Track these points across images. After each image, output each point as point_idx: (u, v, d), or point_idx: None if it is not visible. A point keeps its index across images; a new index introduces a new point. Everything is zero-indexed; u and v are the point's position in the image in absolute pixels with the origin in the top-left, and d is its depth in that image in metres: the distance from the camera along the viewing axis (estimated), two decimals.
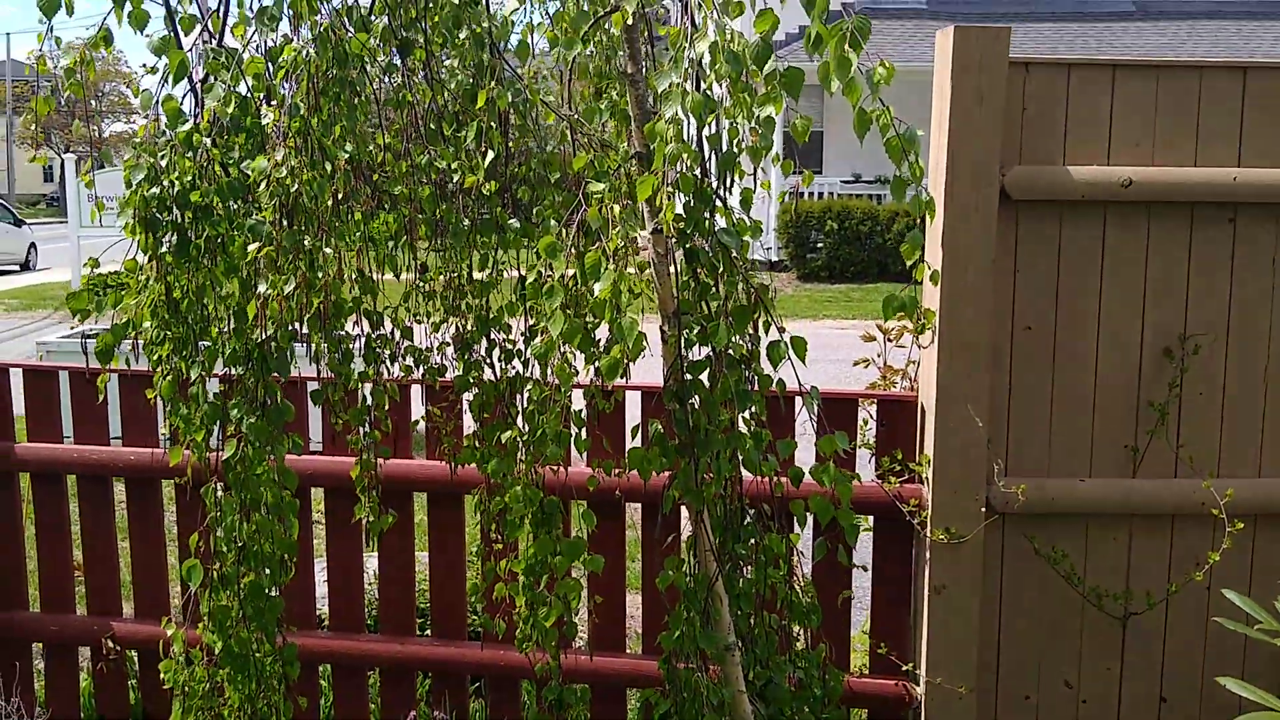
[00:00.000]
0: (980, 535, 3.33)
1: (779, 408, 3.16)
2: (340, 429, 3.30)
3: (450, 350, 3.15)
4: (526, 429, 2.82)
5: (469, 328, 3.10)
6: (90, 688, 4.21)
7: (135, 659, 4.09)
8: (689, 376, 2.63)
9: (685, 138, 2.36)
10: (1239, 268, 3.37)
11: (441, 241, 3.02)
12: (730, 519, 2.79)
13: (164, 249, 2.56)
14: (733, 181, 2.54)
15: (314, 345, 2.86)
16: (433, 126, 2.89)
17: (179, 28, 2.58)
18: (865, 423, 3.59)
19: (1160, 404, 3.37)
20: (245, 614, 2.78)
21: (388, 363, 3.15)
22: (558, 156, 2.99)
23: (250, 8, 2.60)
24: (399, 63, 2.84)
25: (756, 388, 2.65)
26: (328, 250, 2.60)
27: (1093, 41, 22.46)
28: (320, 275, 2.53)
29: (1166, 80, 3.30)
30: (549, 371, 2.65)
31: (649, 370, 2.85)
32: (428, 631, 3.98)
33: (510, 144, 2.92)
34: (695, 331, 2.59)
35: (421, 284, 3.10)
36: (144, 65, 2.64)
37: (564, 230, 2.65)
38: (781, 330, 2.58)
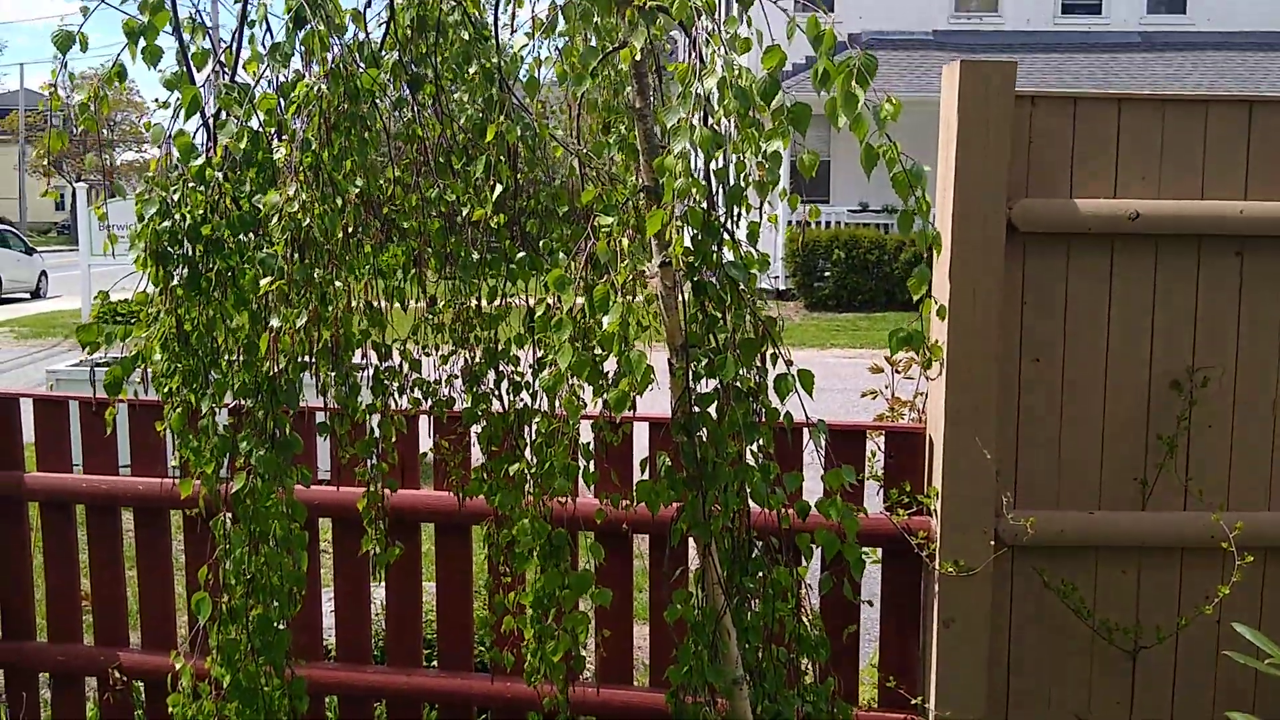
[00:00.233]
0: (989, 568, 3.32)
1: (786, 439, 3.16)
2: (347, 462, 3.31)
3: (459, 383, 3.16)
4: (534, 461, 2.82)
5: (477, 359, 3.11)
6: (97, 718, 4.20)
7: (142, 690, 4.08)
8: (697, 409, 2.63)
9: (693, 171, 2.38)
10: (1247, 300, 3.37)
11: (450, 272, 3.04)
12: (738, 552, 2.79)
13: (175, 282, 2.58)
14: (740, 215, 2.55)
15: (321, 377, 2.87)
16: (442, 160, 2.91)
17: (191, 63, 2.60)
18: (873, 454, 3.58)
19: (1169, 436, 3.37)
20: (254, 647, 2.78)
21: (395, 395, 3.15)
22: (565, 190, 3.01)
23: (263, 44, 2.63)
24: (409, 97, 2.87)
25: (764, 420, 2.65)
26: (338, 283, 2.61)
27: (1099, 72, 22.54)
28: (330, 308, 2.54)
29: (1173, 114, 3.31)
30: (557, 404, 2.65)
31: (656, 401, 2.86)
32: (434, 663, 3.97)
33: (519, 177, 2.94)
34: (703, 364, 2.60)
35: (430, 316, 3.12)
36: (156, 100, 2.66)
37: (572, 263, 2.66)
38: (789, 363, 2.58)
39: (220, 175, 2.53)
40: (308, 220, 2.45)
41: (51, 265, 29.67)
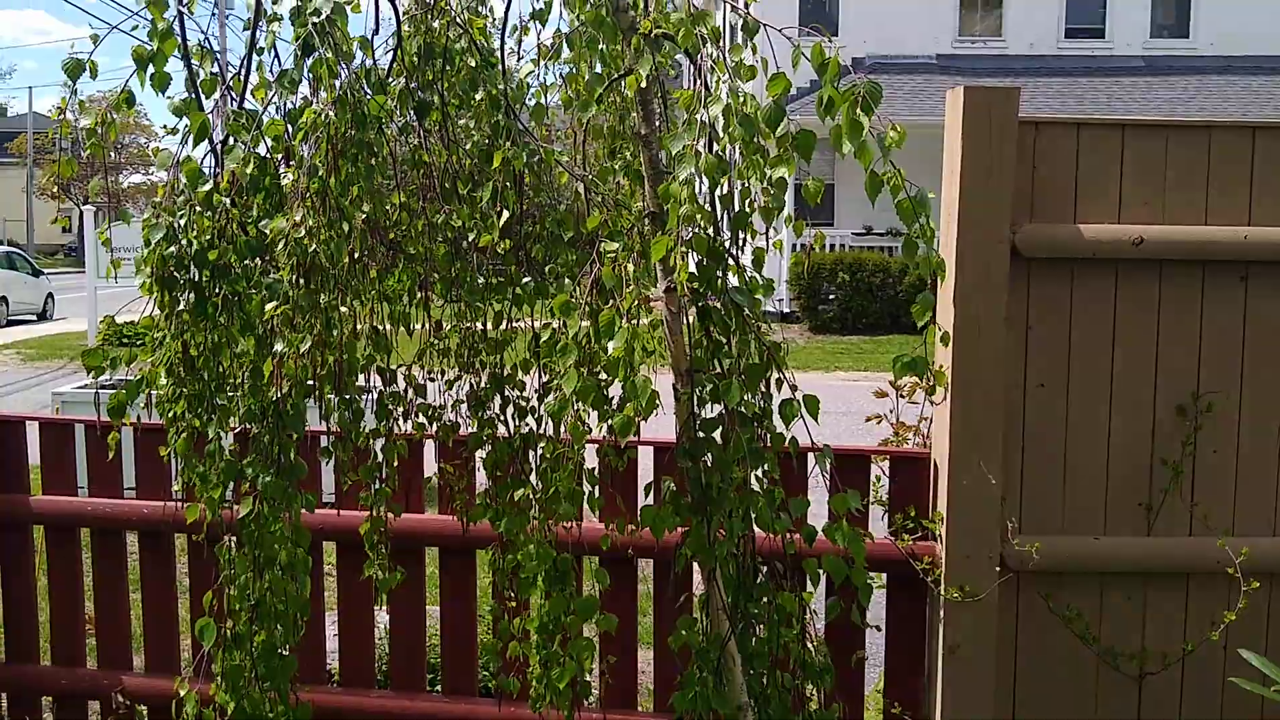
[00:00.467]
0: (994, 594, 3.31)
1: (791, 464, 3.16)
2: (349, 488, 3.31)
3: (464, 408, 3.17)
4: (540, 486, 2.82)
5: (483, 384, 3.11)
6: None
7: (145, 714, 4.07)
8: (702, 434, 2.63)
9: (698, 197, 2.39)
10: (1251, 325, 3.37)
11: (456, 296, 3.05)
12: (743, 577, 2.78)
13: (181, 307, 2.59)
14: (745, 240, 2.56)
15: (324, 402, 2.88)
16: (448, 185, 2.93)
17: (200, 90, 2.62)
18: (878, 479, 3.58)
19: (1174, 462, 3.36)
20: (258, 673, 2.77)
21: (400, 420, 3.16)
22: (571, 215, 3.02)
23: (271, 71, 2.65)
24: (416, 123, 2.88)
25: (769, 445, 2.65)
26: (344, 309, 2.62)
27: (1102, 96, 22.60)
28: (336, 333, 2.55)
29: (1176, 139, 3.32)
30: (562, 429, 2.65)
31: (660, 425, 2.86)
32: (438, 687, 3.95)
33: (524, 203, 2.96)
34: (708, 389, 2.60)
35: (436, 341, 3.12)
36: (164, 126, 2.68)
37: (578, 288, 2.67)
38: (794, 388, 2.58)
39: (227, 201, 2.54)
40: (314, 246, 2.46)
41: (58, 287, 29.75)
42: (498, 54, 2.97)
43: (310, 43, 2.47)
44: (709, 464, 2.65)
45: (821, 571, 2.82)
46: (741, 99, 2.33)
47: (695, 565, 2.91)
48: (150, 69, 2.57)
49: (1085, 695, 3.45)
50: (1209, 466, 3.39)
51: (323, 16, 2.46)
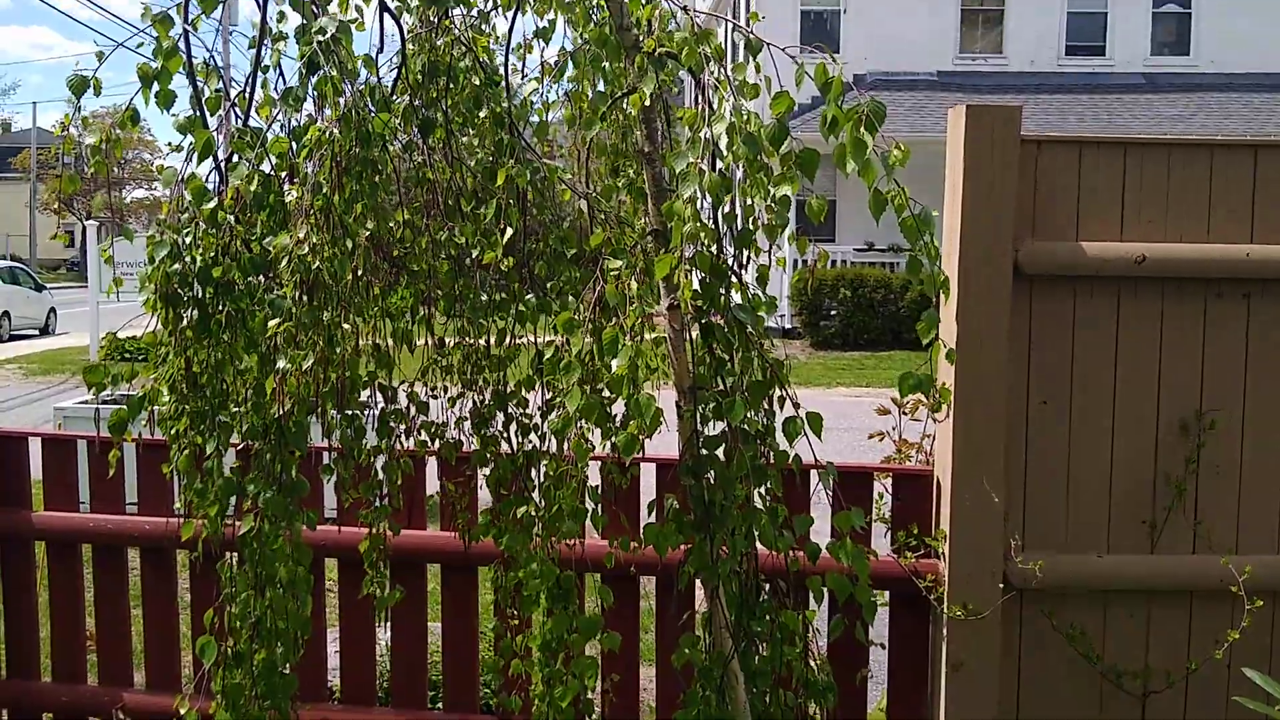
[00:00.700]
0: (998, 611, 3.30)
1: (794, 481, 3.15)
2: (350, 505, 3.31)
3: (467, 425, 3.16)
4: (543, 504, 2.82)
5: (486, 401, 3.11)
6: None
7: None
8: (705, 452, 2.63)
9: (701, 215, 2.39)
10: (1254, 343, 3.37)
11: (459, 311, 3.05)
12: (746, 595, 2.78)
13: (184, 324, 2.59)
14: (749, 258, 2.56)
15: (326, 419, 2.87)
16: (451, 203, 2.93)
17: (205, 108, 2.63)
18: (881, 496, 3.57)
19: (1177, 480, 3.36)
20: (258, 691, 2.76)
21: (402, 437, 3.15)
22: (574, 233, 3.03)
23: (276, 89, 2.66)
24: (420, 141, 2.89)
25: (772, 463, 2.65)
26: (346, 326, 2.62)
27: (1103, 113, 22.64)
28: (339, 351, 2.55)
29: (1178, 158, 3.33)
30: (565, 446, 2.65)
31: (663, 441, 2.85)
32: (439, 705, 3.94)
33: (528, 220, 2.96)
34: (711, 407, 2.60)
35: (439, 358, 3.12)
36: (169, 143, 2.69)
37: (581, 305, 2.67)
38: (797, 405, 2.58)
39: (232, 218, 2.55)
40: (317, 263, 2.46)
41: (60, 302, 29.78)
42: (501, 72, 2.98)
43: (315, 61, 2.48)
44: (712, 481, 2.65)
45: (825, 589, 2.81)
46: (745, 117, 2.33)
47: (698, 583, 2.90)
48: (155, 86, 2.58)
49: (1089, 713, 3.44)
50: (1212, 484, 3.38)
51: (328, 35, 2.47)
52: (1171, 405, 3.37)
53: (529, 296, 2.96)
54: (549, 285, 3.05)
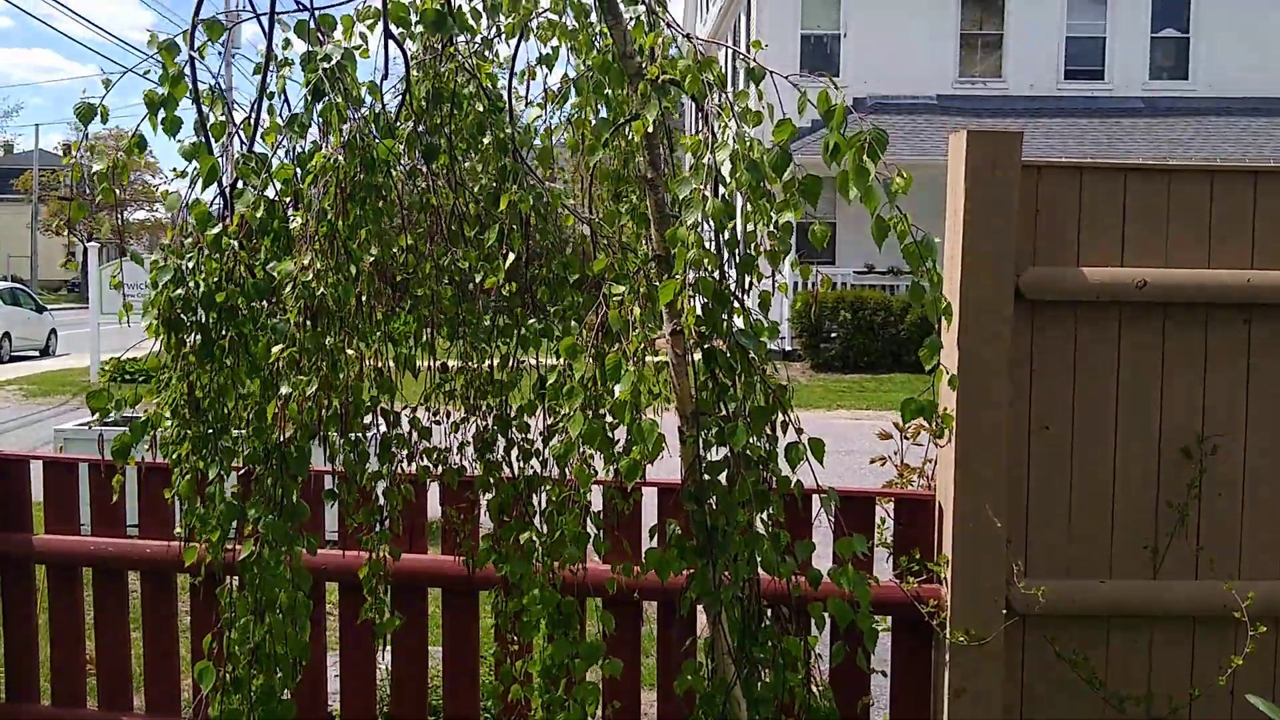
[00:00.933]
0: (1000, 637, 3.29)
1: (796, 505, 3.15)
2: (352, 530, 3.31)
3: (469, 450, 3.17)
4: (545, 529, 2.82)
5: (489, 425, 3.12)
6: None
7: None
8: (707, 477, 2.63)
9: (704, 241, 2.40)
10: (1255, 368, 3.37)
11: (462, 333, 3.06)
12: (748, 621, 2.77)
13: (187, 348, 2.60)
14: (751, 284, 2.57)
15: (329, 444, 2.88)
16: (454, 228, 2.94)
17: (210, 134, 2.64)
18: (883, 521, 3.57)
19: (1179, 505, 3.35)
20: (257, 717, 2.75)
21: (404, 462, 3.15)
22: (576, 258, 3.04)
23: (281, 115, 2.67)
24: (423, 167, 2.90)
25: (775, 488, 2.65)
26: (350, 351, 2.63)
27: (1102, 137, 22.72)
28: (342, 376, 2.55)
29: (1178, 184, 3.34)
30: (568, 471, 2.65)
31: (664, 464, 2.85)
32: None
33: (530, 244, 2.97)
34: (714, 432, 2.60)
35: (442, 383, 3.13)
36: (173, 169, 2.70)
37: (584, 330, 2.68)
38: (800, 431, 2.59)
39: (236, 243, 2.56)
40: (321, 289, 2.47)
41: (61, 323, 29.81)
42: (505, 98, 3.00)
43: (320, 88, 2.49)
44: (714, 507, 2.65)
45: (827, 615, 2.81)
46: (748, 144, 2.35)
47: (700, 608, 2.89)
48: (161, 113, 2.59)
49: None
50: (1214, 509, 3.38)
51: (333, 62, 2.48)
52: (1173, 430, 3.37)
53: (531, 321, 2.97)
54: (551, 310, 3.05)
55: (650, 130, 2.66)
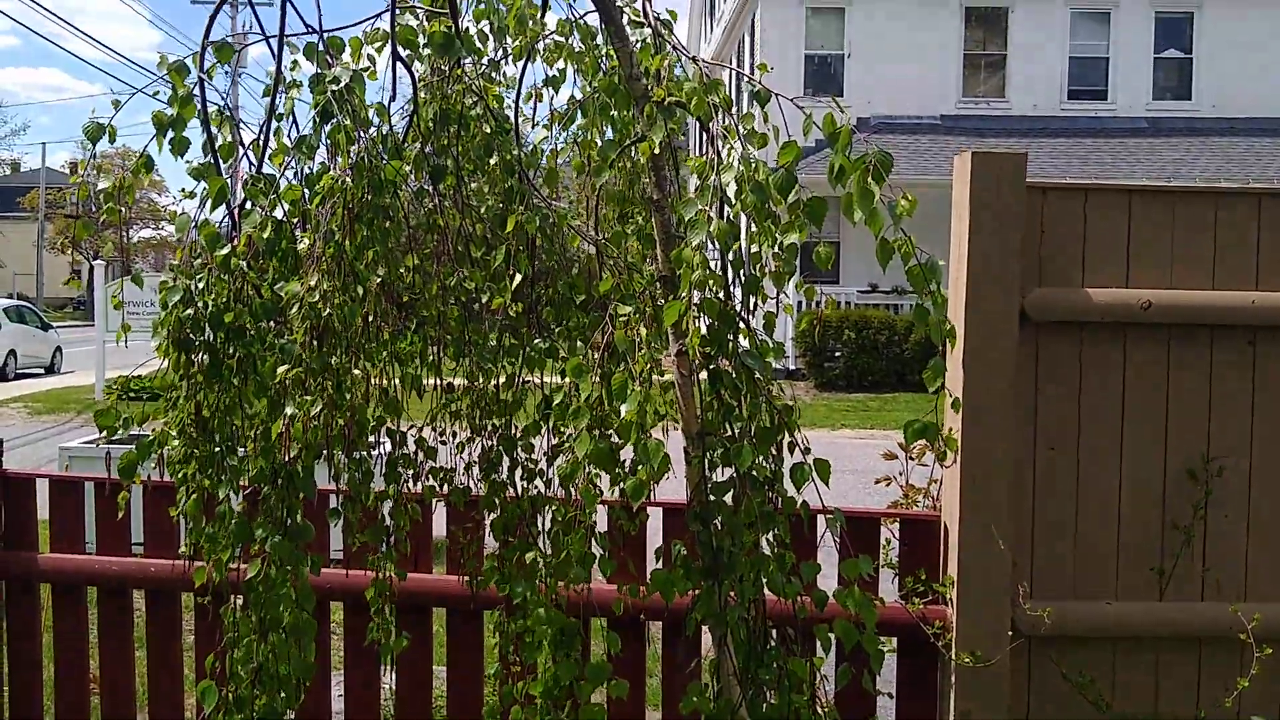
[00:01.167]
0: (1006, 658, 3.28)
1: (802, 526, 3.15)
2: (356, 550, 3.31)
3: (475, 470, 3.17)
4: (549, 550, 2.82)
5: (494, 445, 3.12)
6: None
7: None
8: (713, 498, 2.64)
9: (710, 262, 2.41)
10: (1260, 390, 3.37)
11: (467, 351, 3.06)
12: (754, 642, 2.77)
13: (195, 368, 2.61)
14: (756, 305, 2.58)
15: (334, 463, 2.88)
16: (461, 249, 2.95)
17: (218, 155, 2.66)
18: (888, 542, 3.56)
19: (1185, 526, 3.35)
20: None
21: (410, 482, 3.16)
22: (582, 279, 3.05)
23: (289, 136, 2.69)
24: (430, 188, 2.92)
25: (780, 509, 2.65)
26: (356, 371, 2.63)
27: (1106, 157, 22.77)
28: (348, 396, 2.56)
29: (1183, 206, 3.35)
30: (573, 491, 2.66)
31: (668, 484, 2.85)
32: None
33: (536, 265, 2.98)
34: (719, 453, 2.61)
35: (448, 403, 3.13)
36: (182, 190, 2.72)
37: (590, 351, 2.68)
38: (806, 451, 2.59)
39: (244, 264, 2.57)
40: (328, 309, 2.48)
41: (66, 340, 29.88)
42: (511, 119, 3.01)
43: (329, 110, 2.51)
44: (720, 527, 2.65)
45: (832, 636, 2.81)
46: (754, 167, 2.36)
47: (705, 628, 2.89)
48: (170, 134, 2.61)
49: None
50: (1220, 531, 3.37)
51: (342, 84, 2.50)
52: (1179, 451, 3.37)
53: (537, 341, 2.98)
54: (557, 330, 3.06)
55: (656, 152, 2.67)
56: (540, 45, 3.11)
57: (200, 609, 3.77)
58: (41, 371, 27.60)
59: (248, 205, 2.60)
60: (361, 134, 2.55)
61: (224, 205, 2.62)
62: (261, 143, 2.68)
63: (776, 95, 2.57)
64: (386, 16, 2.84)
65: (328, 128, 2.56)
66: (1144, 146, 23.35)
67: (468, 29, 3.02)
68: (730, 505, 2.63)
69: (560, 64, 3.11)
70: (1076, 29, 24.51)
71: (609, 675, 2.76)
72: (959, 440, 3.24)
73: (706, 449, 2.62)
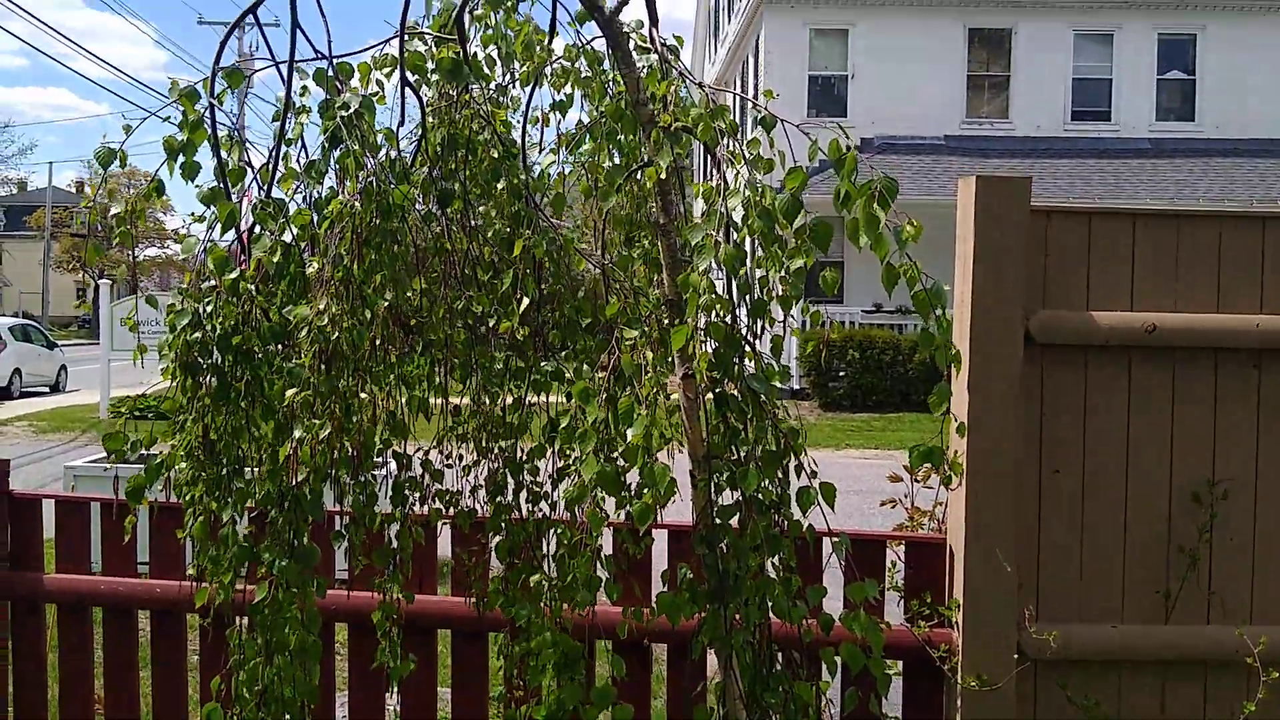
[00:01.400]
0: (1012, 682, 3.27)
1: (808, 551, 3.15)
2: (361, 570, 3.31)
3: (481, 493, 3.17)
4: (554, 573, 2.82)
5: (500, 467, 3.13)
6: None
7: None
8: (719, 521, 2.64)
9: (716, 286, 2.42)
10: (1265, 413, 3.37)
11: (474, 373, 3.07)
12: (760, 666, 2.77)
13: (203, 391, 2.62)
14: (763, 328, 2.59)
15: (340, 486, 2.89)
16: (468, 272, 2.97)
17: (228, 179, 2.68)
18: (893, 564, 3.56)
19: (1190, 549, 3.35)
20: None
21: (417, 504, 3.16)
22: (589, 302, 3.06)
23: (298, 160, 2.71)
24: (438, 212, 2.93)
25: (786, 532, 2.65)
26: (363, 394, 2.65)
27: (1110, 178, 22.79)
28: (355, 419, 2.57)
29: (1187, 229, 3.36)
30: (578, 514, 2.66)
31: (674, 507, 2.86)
32: None
33: (543, 288, 2.99)
34: (725, 476, 2.61)
35: (455, 426, 3.14)
36: (191, 213, 2.73)
37: (596, 374, 2.69)
38: (812, 475, 2.59)
39: (252, 287, 2.58)
40: (336, 333, 2.49)
41: (71, 359, 29.93)
42: (519, 144, 3.03)
43: (338, 135, 2.52)
44: (726, 551, 2.65)
45: (838, 660, 2.80)
46: (760, 192, 2.37)
47: (710, 651, 2.89)
48: (180, 158, 2.63)
49: None
50: (1226, 554, 3.37)
51: (351, 110, 2.52)
52: (1184, 474, 3.36)
53: (544, 364, 2.99)
54: (563, 354, 3.07)
55: (663, 177, 2.68)
56: (548, 70, 3.13)
57: (206, 631, 3.77)
58: (47, 390, 27.63)
59: (257, 229, 2.61)
60: (370, 159, 2.57)
61: (233, 229, 2.63)
62: (271, 167, 2.70)
63: (783, 122, 2.58)
64: (395, 42, 2.86)
65: (337, 153, 2.58)
66: (1147, 168, 23.38)
67: (476, 54, 3.04)
68: (736, 528, 2.64)
69: (567, 89, 3.13)
70: (1080, 50, 24.58)
71: (614, 699, 2.76)
72: (964, 464, 3.25)
73: (713, 472, 2.63)
